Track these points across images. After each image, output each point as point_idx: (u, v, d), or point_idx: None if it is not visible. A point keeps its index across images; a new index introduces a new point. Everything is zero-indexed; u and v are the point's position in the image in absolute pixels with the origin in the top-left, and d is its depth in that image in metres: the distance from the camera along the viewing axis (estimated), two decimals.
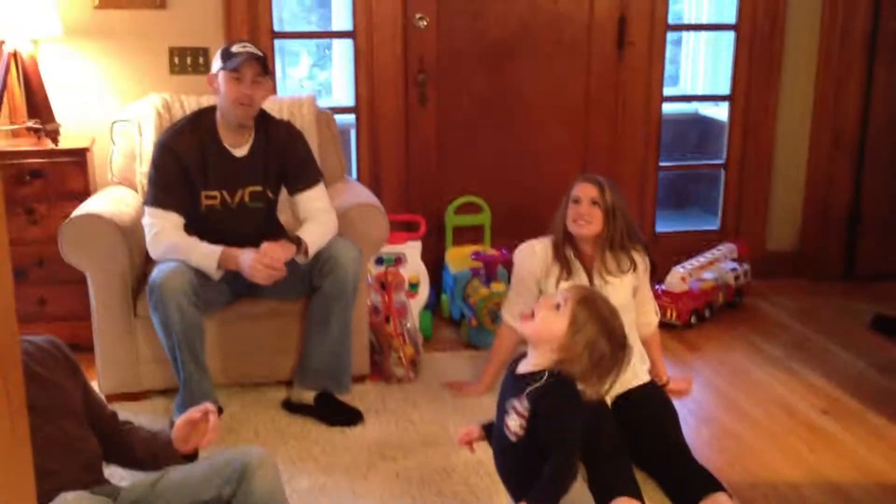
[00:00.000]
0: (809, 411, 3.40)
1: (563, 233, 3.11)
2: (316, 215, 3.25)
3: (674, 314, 4.17)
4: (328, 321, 3.19)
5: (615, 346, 2.04)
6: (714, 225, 4.92)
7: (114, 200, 3.37)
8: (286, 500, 2.10)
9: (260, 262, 3.02)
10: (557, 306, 2.04)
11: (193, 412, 2.20)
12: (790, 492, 2.86)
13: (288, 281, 3.17)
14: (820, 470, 2.99)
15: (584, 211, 3.04)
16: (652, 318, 3.35)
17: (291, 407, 3.28)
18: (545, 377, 1.98)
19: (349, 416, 3.22)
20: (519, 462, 2.01)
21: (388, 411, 3.31)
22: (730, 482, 2.78)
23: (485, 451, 2.84)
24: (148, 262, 3.29)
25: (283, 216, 3.46)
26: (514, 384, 2.02)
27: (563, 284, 3.06)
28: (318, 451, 3.02)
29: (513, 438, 1.97)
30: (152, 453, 2.21)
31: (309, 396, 3.25)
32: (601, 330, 2.02)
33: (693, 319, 4.21)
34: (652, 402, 3.05)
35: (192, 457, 2.22)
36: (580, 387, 2.01)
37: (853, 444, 3.15)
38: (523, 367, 2.04)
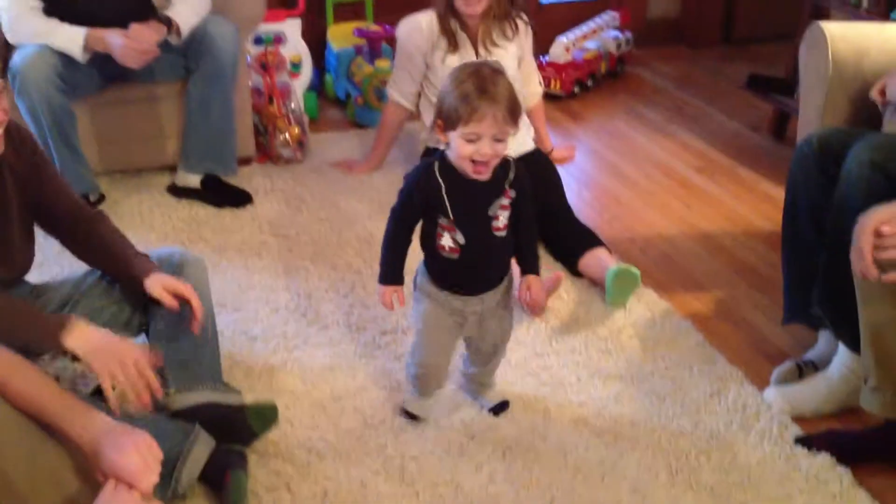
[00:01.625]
0: (685, 170, 3.56)
1: (446, 6, 3.05)
2: None
3: (557, 84, 4.21)
4: (208, 103, 3.11)
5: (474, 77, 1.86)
6: None
7: None
8: (210, 297, 2.17)
9: (129, 45, 2.88)
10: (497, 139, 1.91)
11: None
12: (664, 243, 3.03)
13: (162, 63, 3.05)
14: (693, 222, 3.17)
15: None
16: (536, 88, 3.38)
17: (177, 192, 3.24)
18: (511, 164, 1.98)
19: (237, 198, 3.21)
20: (505, 252, 2.05)
21: (276, 191, 3.31)
22: (610, 239, 2.93)
23: (376, 226, 2.91)
24: (9, 48, 3.10)
25: None
26: (487, 190, 1.96)
27: (450, 58, 3.05)
28: (209, 232, 3.03)
29: (503, 234, 1.99)
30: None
31: (195, 180, 3.21)
32: (509, 85, 1.88)
33: (576, 89, 4.26)
34: (536, 167, 3.12)
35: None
36: None
37: (724, 198, 3.33)
38: (486, 173, 1.94)
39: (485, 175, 1.91)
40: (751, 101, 4.13)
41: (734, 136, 3.87)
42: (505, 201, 1.98)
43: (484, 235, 1.99)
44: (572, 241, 2.86)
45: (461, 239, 1.98)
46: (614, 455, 2.08)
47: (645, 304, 2.65)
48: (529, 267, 2.11)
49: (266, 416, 2.06)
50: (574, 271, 2.81)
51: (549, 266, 2.84)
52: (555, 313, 2.62)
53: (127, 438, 1.52)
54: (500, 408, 2.23)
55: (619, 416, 2.21)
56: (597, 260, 2.75)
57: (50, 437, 1.58)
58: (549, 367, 2.39)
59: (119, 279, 2.10)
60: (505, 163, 1.97)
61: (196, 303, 2.03)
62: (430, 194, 1.96)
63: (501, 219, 1.99)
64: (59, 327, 1.81)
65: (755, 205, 3.28)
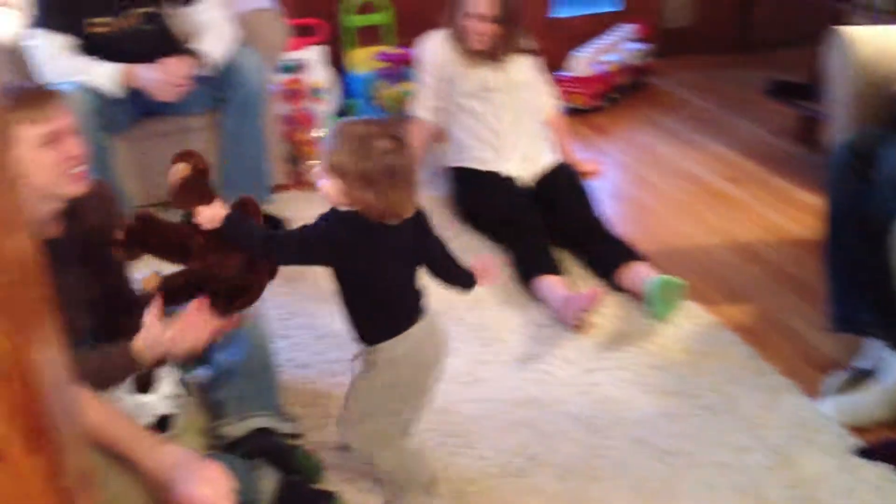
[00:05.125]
0: (715, 179, 3.56)
1: (459, 27, 3.11)
2: (214, 26, 3.13)
3: (581, 99, 4.22)
4: (240, 132, 3.14)
5: (387, 154, 1.73)
6: (611, 6, 4.91)
7: None
8: (266, 326, 2.20)
9: (162, 79, 2.92)
10: (326, 174, 1.77)
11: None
12: (702, 254, 3.03)
13: (194, 95, 3.08)
14: (728, 232, 3.17)
15: (480, 28, 3.05)
16: (549, 99, 3.42)
17: None
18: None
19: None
20: None
21: (311, 217, 3.30)
22: (646, 251, 2.92)
23: None
24: None
25: (180, 28, 3.30)
26: None
27: (472, 72, 3.11)
28: None
29: None
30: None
31: None
32: (362, 158, 1.71)
33: (600, 103, 4.28)
34: (565, 181, 3.16)
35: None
36: (388, 212, 1.75)
37: (757, 206, 3.33)
38: None
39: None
40: (774, 107, 4.13)
41: (761, 143, 3.87)
42: None
43: None
44: (609, 256, 2.86)
45: None
46: (674, 473, 2.07)
47: (689, 317, 2.65)
48: (233, 210, 1.96)
49: (313, 464, 2.06)
50: (614, 286, 2.81)
51: (587, 281, 2.85)
52: (599, 329, 2.62)
53: (199, 470, 1.54)
54: None
55: (676, 433, 2.20)
56: (636, 273, 2.75)
57: (121, 468, 1.59)
58: (600, 385, 2.39)
59: None
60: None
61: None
62: None
63: None
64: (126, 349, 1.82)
65: (789, 212, 3.28)
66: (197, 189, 1.88)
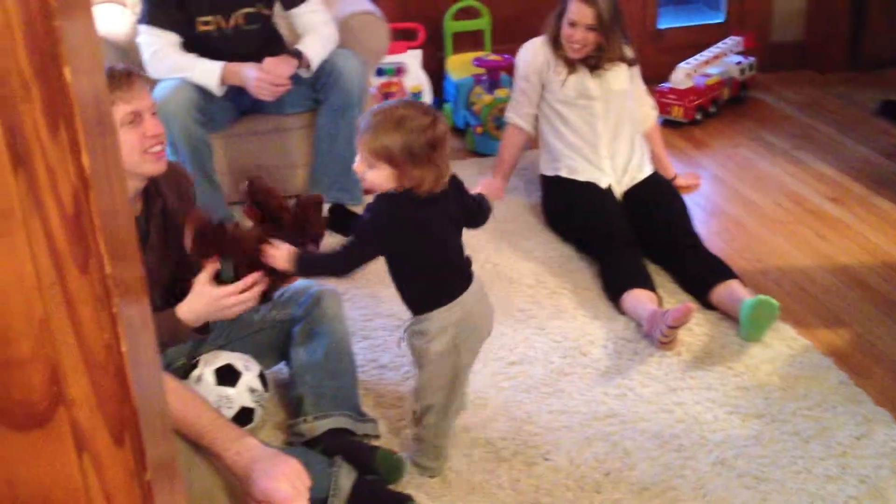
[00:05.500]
0: (817, 199, 3.44)
1: (557, 35, 3.09)
2: (315, 27, 3.18)
3: (680, 111, 4.14)
4: (336, 133, 3.18)
5: (426, 128, 1.83)
6: (719, 18, 4.80)
7: (105, 19, 3.27)
8: (346, 324, 2.26)
9: (263, 78, 2.98)
10: (369, 164, 1.86)
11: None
12: (800, 276, 2.93)
13: (292, 95, 3.14)
14: (829, 254, 3.06)
15: (579, 37, 3.02)
16: (649, 111, 3.36)
17: None
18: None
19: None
20: None
21: None
22: (741, 270, 2.85)
23: (499, 256, 2.93)
24: None
25: (281, 29, 3.37)
26: None
27: (570, 79, 3.08)
28: None
29: None
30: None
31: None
32: (405, 135, 1.81)
33: (699, 116, 4.19)
34: (660, 194, 3.10)
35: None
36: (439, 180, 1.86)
37: (861, 229, 3.21)
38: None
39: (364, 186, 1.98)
40: (884, 128, 3.99)
41: (867, 163, 3.72)
42: None
43: None
44: (702, 272, 2.79)
45: None
46: (757, 498, 2.01)
47: (782, 339, 2.57)
48: (301, 251, 2.02)
49: (394, 465, 2.06)
50: (705, 303, 2.74)
51: (677, 297, 2.79)
52: (687, 347, 2.56)
53: (278, 465, 1.55)
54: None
55: (761, 457, 2.13)
56: (730, 292, 2.68)
57: (202, 458, 1.62)
58: (684, 403, 2.34)
59: None
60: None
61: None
62: None
63: None
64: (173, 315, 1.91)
65: (893, 235, 3.15)
66: (213, 240, 1.94)
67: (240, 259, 1.95)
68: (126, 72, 1.87)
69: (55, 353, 0.54)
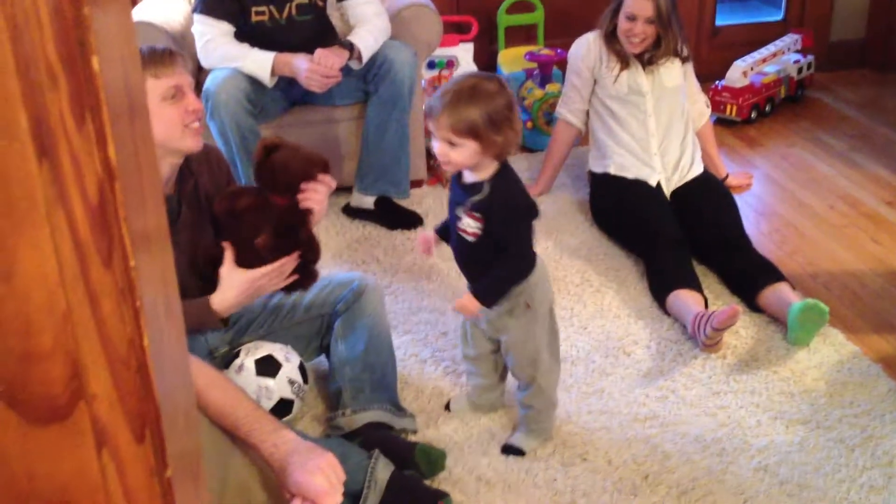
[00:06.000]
0: (873, 203, 3.36)
1: (610, 30, 3.05)
2: (367, 19, 3.18)
3: (734, 110, 4.08)
4: (385, 126, 3.18)
5: (497, 94, 1.86)
6: (777, 16, 4.72)
7: (162, 8, 3.31)
8: (387, 321, 2.26)
9: (314, 70, 2.98)
10: (449, 143, 1.88)
11: None
12: (851, 280, 2.87)
13: (343, 87, 3.14)
14: (882, 259, 2.99)
15: (639, 31, 2.97)
16: (703, 108, 3.31)
17: (352, 212, 3.32)
18: (484, 188, 1.93)
19: (409, 220, 3.26)
20: (479, 257, 2.01)
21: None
22: (791, 273, 2.80)
23: (544, 250, 2.91)
24: (201, 71, 3.27)
25: (333, 20, 3.38)
26: (461, 192, 1.97)
27: (623, 75, 3.05)
28: (381, 253, 3.08)
29: (471, 239, 1.97)
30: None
31: (369, 201, 3.28)
32: (481, 105, 1.84)
33: (753, 115, 4.12)
34: (710, 193, 3.05)
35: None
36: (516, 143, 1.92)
37: None
38: (467, 177, 1.96)
39: (448, 170, 1.97)
40: None
41: None
42: (473, 213, 1.95)
43: (455, 228, 2.02)
44: (751, 274, 2.75)
45: (449, 222, 2.07)
46: None
47: (831, 345, 2.52)
48: (475, 287, 2.03)
49: (433, 459, 2.07)
50: (752, 306, 2.70)
51: (724, 299, 2.75)
52: (732, 350, 2.52)
53: (314, 459, 1.56)
54: (511, 449, 2.17)
55: (804, 464, 2.09)
56: (778, 295, 2.63)
57: (239, 449, 1.64)
58: (727, 407, 2.30)
59: None
60: (477, 185, 1.93)
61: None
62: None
63: (467, 223, 1.97)
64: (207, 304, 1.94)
65: None
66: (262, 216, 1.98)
67: (275, 230, 1.96)
68: (167, 50, 1.90)
69: (76, 347, 0.55)
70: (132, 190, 0.55)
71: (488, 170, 1.93)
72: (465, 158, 1.87)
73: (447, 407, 2.32)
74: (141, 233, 0.57)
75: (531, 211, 1.98)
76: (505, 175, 1.94)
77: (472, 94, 1.84)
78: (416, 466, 2.04)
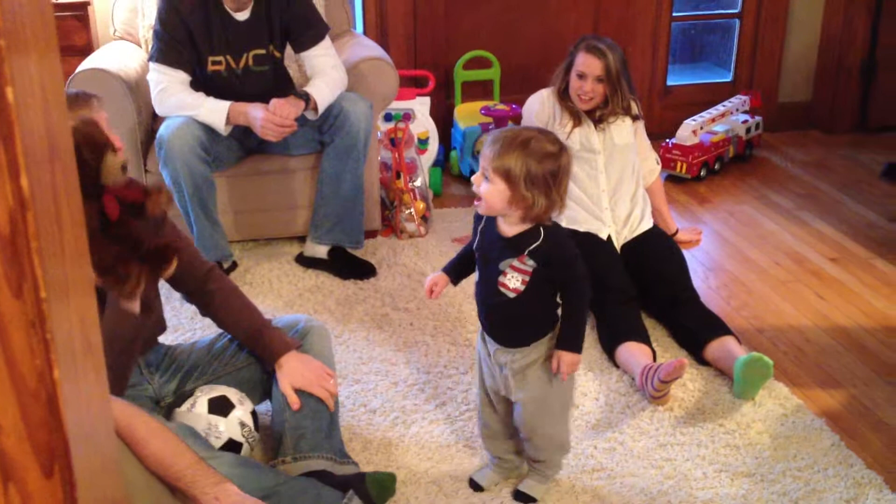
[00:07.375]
0: (818, 260, 3.43)
1: (564, 88, 3.10)
2: (325, 71, 3.20)
3: (684, 167, 4.16)
4: (340, 177, 3.19)
5: (550, 157, 1.90)
6: (727, 77, 4.84)
7: (118, 56, 3.32)
8: (332, 363, 2.25)
9: (270, 119, 3.00)
10: (485, 175, 1.92)
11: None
12: (796, 335, 2.91)
13: (298, 137, 3.16)
14: (827, 315, 3.04)
15: (588, 89, 3.02)
16: (654, 165, 3.36)
17: (305, 261, 3.32)
18: (542, 234, 1.95)
19: (362, 270, 3.26)
20: (515, 313, 2.02)
21: (399, 265, 3.35)
22: (738, 328, 2.83)
23: None
24: (156, 119, 3.27)
25: (291, 71, 3.41)
26: (504, 245, 1.98)
27: (575, 132, 3.08)
28: (333, 302, 3.08)
29: (511, 295, 1.97)
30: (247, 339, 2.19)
31: (322, 251, 3.28)
32: (527, 158, 1.87)
33: (703, 172, 4.20)
34: (659, 248, 3.09)
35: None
36: (556, 211, 1.96)
37: (860, 290, 3.19)
38: (509, 230, 1.99)
39: (480, 208, 1.97)
40: (888, 191, 3.99)
41: (870, 226, 3.71)
42: (518, 264, 1.96)
43: (489, 285, 2.01)
44: (698, 328, 2.78)
45: (477, 276, 2.07)
46: None
47: (775, 399, 2.54)
48: (564, 342, 2.04)
49: (385, 485, 2.06)
50: (699, 359, 2.73)
51: (672, 352, 2.77)
52: (679, 402, 2.54)
53: None
54: (521, 496, 2.17)
55: None
56: (724, 349, 2.66)
57: (179, 501, 1.61)
58: (673, 460, 2.31)
59: (250, 347, 2.16)
60: (535, 231, 1.96)
61: (329, 402, 2.08)
62: (476, 223, 2.05)
63: (511, 278, 1.98)
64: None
65: (893, 298, 3.13)
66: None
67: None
68: (84, 93, 1.96)
69: None
70: (46, 222, 0.55)
71: (516, 226, 1.95)
72: (492, 197, 1.90)
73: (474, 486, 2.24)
74: (56, 266, 0.57)
75: (578, 254, 2.02)
76: (557, 225, 1.99)
77: (524, 144, 1.88)
78: (369, 496, 2.02)
